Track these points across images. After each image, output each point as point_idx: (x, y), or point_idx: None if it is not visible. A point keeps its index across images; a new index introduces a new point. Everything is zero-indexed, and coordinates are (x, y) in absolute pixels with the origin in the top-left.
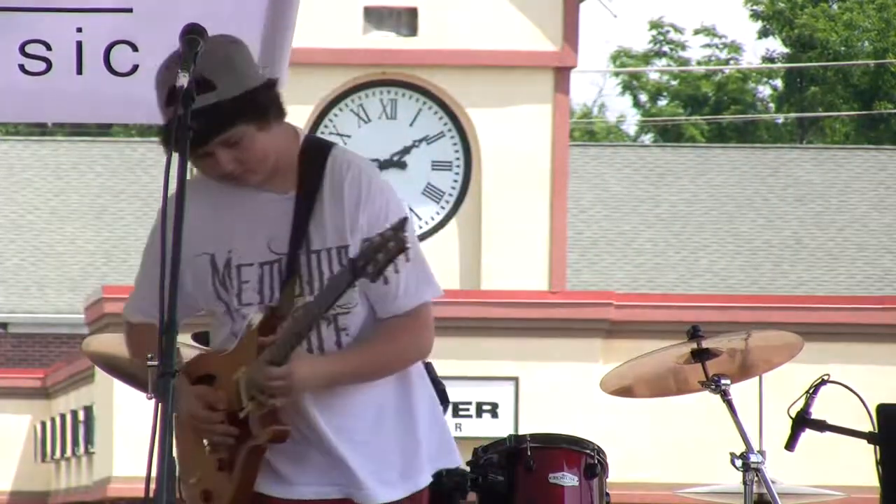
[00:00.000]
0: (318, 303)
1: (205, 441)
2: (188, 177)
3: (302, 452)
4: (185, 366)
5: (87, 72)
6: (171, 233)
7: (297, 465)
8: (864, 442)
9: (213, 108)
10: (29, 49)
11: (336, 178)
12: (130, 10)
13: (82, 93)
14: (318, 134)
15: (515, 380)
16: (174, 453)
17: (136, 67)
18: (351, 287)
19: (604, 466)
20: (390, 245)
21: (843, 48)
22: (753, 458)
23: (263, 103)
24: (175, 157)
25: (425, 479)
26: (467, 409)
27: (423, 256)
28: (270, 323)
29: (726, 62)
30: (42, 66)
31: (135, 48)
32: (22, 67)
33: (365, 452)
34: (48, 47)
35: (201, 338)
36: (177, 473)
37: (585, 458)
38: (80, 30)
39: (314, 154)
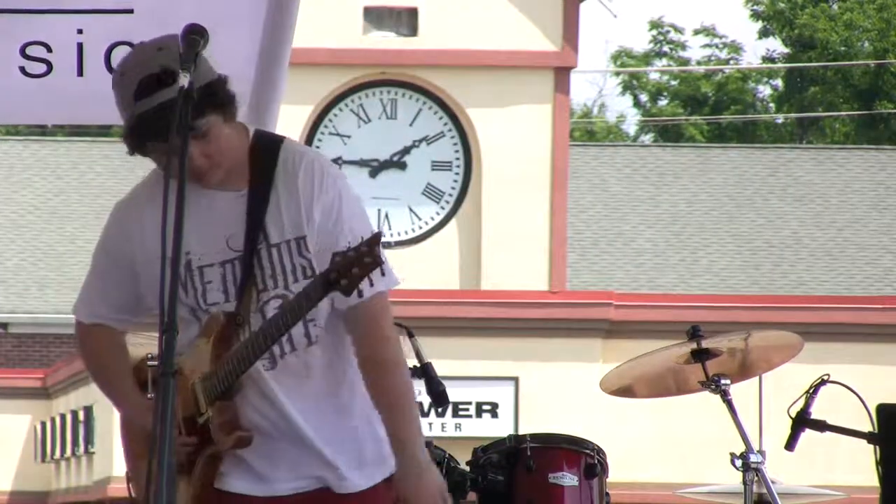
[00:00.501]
0: (288, 314)
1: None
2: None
3: (273, 447)
4: (135, 373)
5: (87, 73)
6: (171, 231)
7: (270, 461)
8: (864, 442)
9: (175, 105)
10: (30, 51)
11: (289, 171)
12: (131, 11)
13: (83, 94)
14: (319, 134)
15: (515, 380)
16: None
17: None
18: (321, 299)
19: (603, 466)
20: (366, 260)
21: (843, 48)
22: (753, 457)
23: (225, 95)
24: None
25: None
26: (467, 409)
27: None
28: (227, 329)
29: (726, 62)
30: (43, 67)
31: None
32: (23, 69)
33: (337, 439)
34: (49, 49)
35: None
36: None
37: (585, 458)
38: (80, 31)
39: (265, 149)
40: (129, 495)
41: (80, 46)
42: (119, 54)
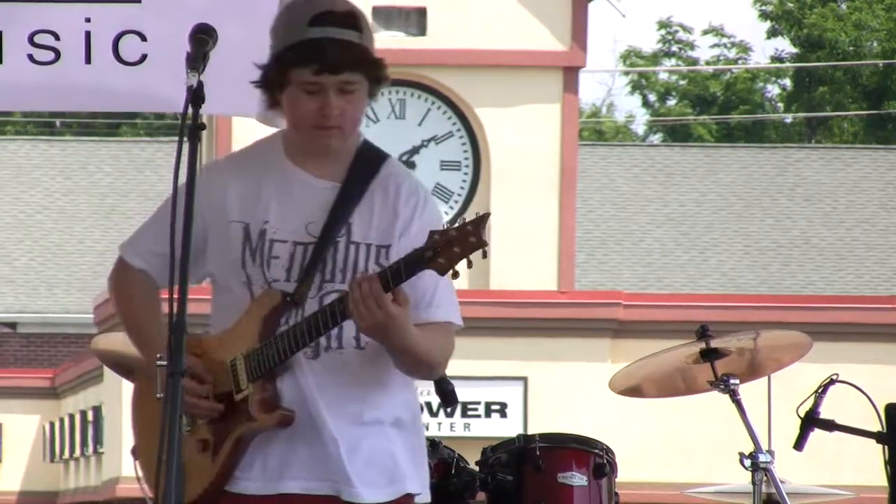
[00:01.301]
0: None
1: (184, 420)
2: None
3: (291, 443)
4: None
5: (95, 61)
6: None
7: (284, 457)
8: (873, 441)
9: (356, 45)
10: (38, 39)
11: (391, 185)
12: (139, 1)
13: (91, 82)
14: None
15: (524, 380)
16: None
17: (144, 57)
18: (410, 275)
19: (612, 466)
20: (470, 240)
21: (851, 48)
22: (762, 457)
23: (384, 76)
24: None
25: (411, 486)
26: (476, 409)
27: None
28: (281, 308)
29: (735, 62)
30: (51, 55)
31: (143, 38)
32: (31, 57)
33: (356, 448)
34: (57, 37)
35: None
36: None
37: (594, 458)
38: (88, 20)
39: (370, 155)
40: (137, 477)
41: (87, 35)
42: (126, 43)
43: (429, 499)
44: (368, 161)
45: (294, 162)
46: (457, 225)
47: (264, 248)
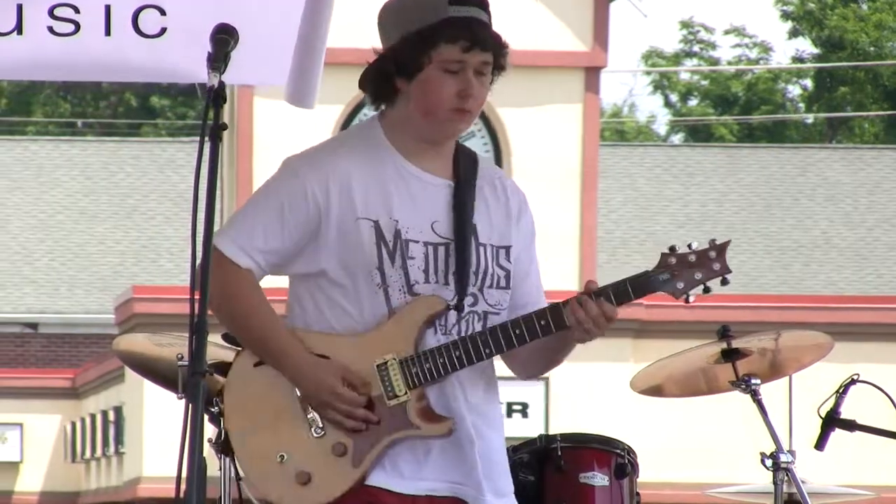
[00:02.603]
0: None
1: (312, 421)
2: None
3: (426, 445)
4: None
5: (115, 34)
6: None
7: (417, 459)
8: (895, 442)
9: (491, 28)
10: (58, 12)
11: (498, 182)
12: None
13: (110, 54)
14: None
15: (546, 380)
16: (239, 427)
17: (164, 30)
18: (638, 297)
19: (634, 466)
20: (714, 267)
21: (872, 48)
22: (783, 457)
23: (506, 64)
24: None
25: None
26: None
27: None
28: (440, 315)
29: (756, 62)
30: (70, 27)
31: (163, 12)
32: (51, 29)
33: (489, 455)
34: (76, 10)
35: (231, 338)
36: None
37: (616, 458)
38: None
39: (466, 153)
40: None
41: (107, 8)
42: (146, 17)
43: None
44: (466, 158)
45: (405, 157)
46: (696, 248)
47: (399, 249)
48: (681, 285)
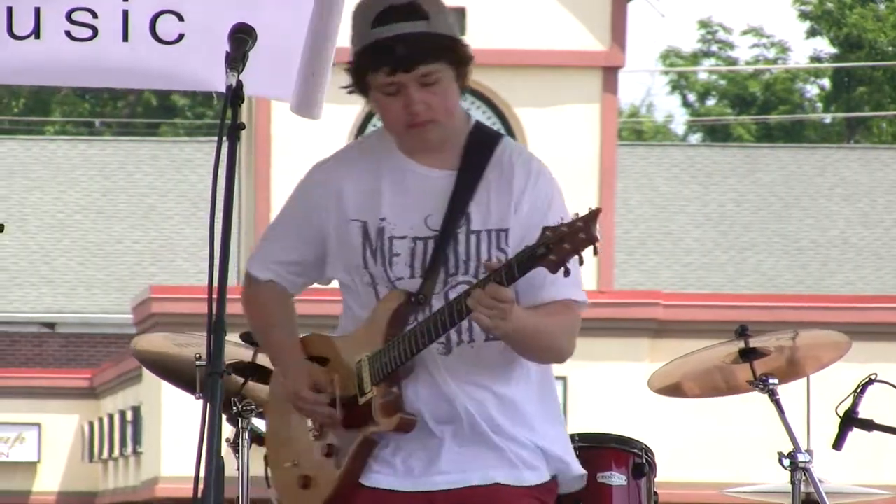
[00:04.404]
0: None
1: (309, 425)
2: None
3: (429, 440)
4: (300, 342)
5: (132, 40)
6: (220, 225)
7: (424, 454)
8: None
9: (424, 36)
10: (75, 16)
11: (505, 164)
12: None
13: (127, 60)
14: (366, 132)
15: (563, 379)
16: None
17: (181, 36)
18: (524, 273)
19: (652, 466)
20: (580, 236)
21: (890, 48)
22: (801, 457)
23: (465, 55)
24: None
25: (554, 468)
26: None
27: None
28: (406, 307)
29: (774, 62)
30: (88, 32)
31: (181, 18)
32: (68, 34)
33: (501, 433)
34: (94, 15)
35: (249, 337)
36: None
37: (633, 458)
38: None
39: (483, 138)
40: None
41: (125, 13)
42: (163, 23)
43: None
44: (481, 145)
45: (408, 155)
46: (568, 221)
47: (384, 246)
48: (554, 258)
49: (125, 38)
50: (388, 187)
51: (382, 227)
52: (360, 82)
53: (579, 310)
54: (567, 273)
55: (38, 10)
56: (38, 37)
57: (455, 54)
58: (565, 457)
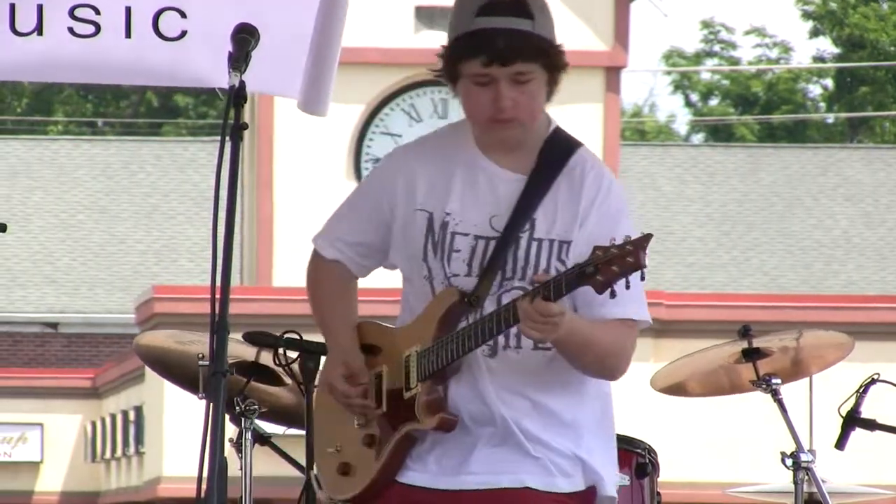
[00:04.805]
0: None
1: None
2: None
3: (467, 440)
4: (357, 328)
5: (135, 36)
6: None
7: (461, 456)
8: None
9: (527, 35)
10: (78, 13)
11: (577, 175)
12: None
13: (130, 56)
14: (370, 133)
15: None
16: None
17: (184, 33)
18: (570, 290)
19: (654, 466)
20: (628, 260)
21: (893, 48)
22: (804, 457)
23: (561, 63)
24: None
25: (592, 479)
26: None
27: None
28: (458, 306)
29: (777, 62)
30: (91, 28)
31: (183, 15)
32: (71, 30)
33: (539, 441)
34: (97, 11)
35: (252, 337)
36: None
37: (636, 458)
38: None
39: (560, 145)
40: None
41: (128, 10)
42: (167, 19)
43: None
44: (557, 152)
45: (483, 151)
46: (619, 243)
47: (445, 241)
48: (601, 279)
49: (128, 35)
50: (459, 182)
51: (447, 222)
52: (452, 69)
53: (638, 328)
54: (613, 294)
55: (40, 7)
56: (40, 33)
57: (551, 59)
58: (601, 471)
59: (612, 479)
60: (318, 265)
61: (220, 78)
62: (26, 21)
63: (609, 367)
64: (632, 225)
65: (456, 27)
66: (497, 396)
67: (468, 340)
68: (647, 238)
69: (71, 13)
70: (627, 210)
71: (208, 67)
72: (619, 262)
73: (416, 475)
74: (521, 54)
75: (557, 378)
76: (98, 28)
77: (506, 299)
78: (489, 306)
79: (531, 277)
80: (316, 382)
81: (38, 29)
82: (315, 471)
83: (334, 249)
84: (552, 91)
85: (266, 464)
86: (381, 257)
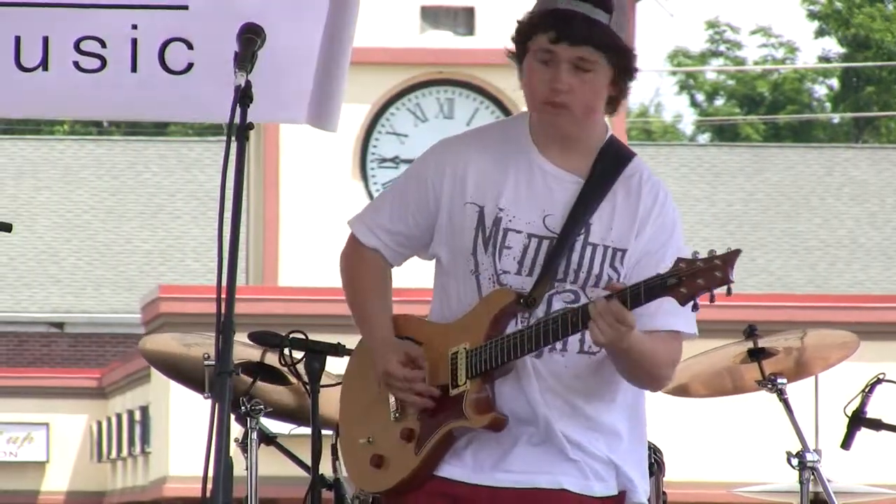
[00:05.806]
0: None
1: (391, 405)
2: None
3: (506, 440)
4: (393, 320)
5: (141, 70)
6: (230, 227)
7: (499, 454)
8: None
9: (601, 24)
10: (84, 46)
11: (633, 185)
12: (186, 8)
13: (137, 91)
14: (376, 133)
15: None
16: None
17: (190, 66)
18: (649, 300)
19: (660, 465)
20: (716, 274)
21: None
22: (809, 456)
23: (628, 65)
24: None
25: (626, 485)
26: None
27: None
28: (513, 307)
29: (782, 62)
30: (97, 63)
31: (190, 46)
32: (76, 64)
33: (578, 445)
34: (103, 44)
35: (257, 337)
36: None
37: None
38: (134, 27)
39: (616, 153)
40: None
41: (134, 42)
42: (173, 51)
43: None
44: (614, 158)
45: (539, 148)
46: (705, 256)
47: (497, 237)
48: (684, 291)
49: (134, 69)
50: (513, 178)
51: (499, 217)
52: (521, 46)
53: (681, 341)
54: (695, 307)
55: (46, 39)
56: (45, 68)
57: (618, 57)
58: (633, 477)
59: (643, 486)
60: (358, 252)
61: (226, 113)
62: (31, 56)
63: (657, 378)
64: (682, 238)
65: (539, 5)
66: (541, 397)
67: (528, 342)
68: (735, 253)
69: (77, 46)
70: (680, 224)
71: (215, 100)
72: (705, 275)
73: (452, 469)
74: (590, 39)
75: (598, 383)
76: (104, 62)
77: (556, 302)
78: (540, 308)
79: (583, 282)
80: (323, 382)
81: (44, 64)
82: (340, 461)
83: (374, 237)
84: (617, 99)
85: (271, 463)
86: (420, 248)
